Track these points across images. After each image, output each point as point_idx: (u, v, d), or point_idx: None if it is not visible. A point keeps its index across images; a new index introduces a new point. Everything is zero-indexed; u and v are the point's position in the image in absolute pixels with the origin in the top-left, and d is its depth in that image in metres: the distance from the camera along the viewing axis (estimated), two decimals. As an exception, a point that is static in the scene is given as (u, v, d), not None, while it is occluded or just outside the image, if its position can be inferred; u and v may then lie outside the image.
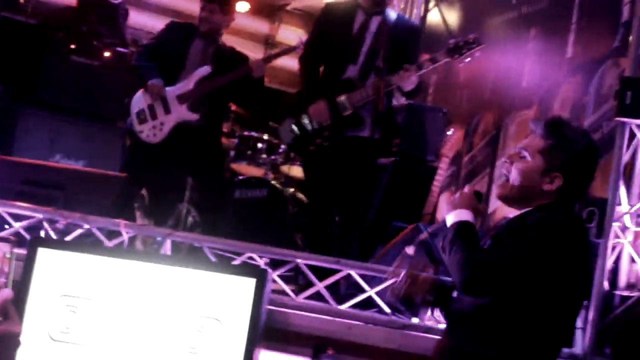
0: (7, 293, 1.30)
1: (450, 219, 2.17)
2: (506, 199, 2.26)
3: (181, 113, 4.43)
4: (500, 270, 2.06)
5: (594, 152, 2.33)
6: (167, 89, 4.43)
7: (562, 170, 2.20)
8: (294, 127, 4.08)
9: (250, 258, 3.46)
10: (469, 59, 3.96)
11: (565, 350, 3.09)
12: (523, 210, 2.22)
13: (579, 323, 3.24)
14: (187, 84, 4.43)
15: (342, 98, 3.95)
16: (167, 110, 4.44)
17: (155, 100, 4.44)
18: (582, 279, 2.29)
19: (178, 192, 4.77)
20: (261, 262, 3.42)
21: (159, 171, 4.58)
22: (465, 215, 2.17)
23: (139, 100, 4.49)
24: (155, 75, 4.45)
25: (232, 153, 5.47)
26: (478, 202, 2.25)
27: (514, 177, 2.23)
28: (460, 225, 2.15)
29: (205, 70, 4.43)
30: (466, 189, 2.31)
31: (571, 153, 2.22)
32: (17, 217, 3.52)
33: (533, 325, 2.19)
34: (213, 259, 3.46)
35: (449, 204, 2.23)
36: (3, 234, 3.40)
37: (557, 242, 2.13)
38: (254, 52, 6.14)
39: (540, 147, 2.22)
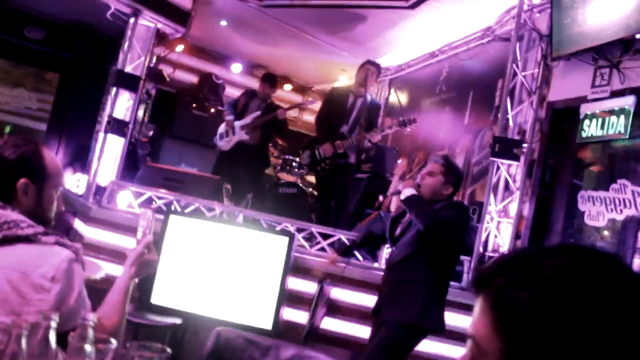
0: (151, 238, 1.35)
1: (407, 192, 2.27)
2: (422, 196, 2.31)
3: (241, 135, 4.57)
4: (442, 221, 2.18)
5: (463, 176, 2.52)
6: (235, 122, 4.59)
7: (453, 184, 2.35)
8: (310, 156, 4.07)
9: (286, 226, 3.48)
10: (409, 129, 3.99)
11: (456, 284, 3.10)
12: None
13: (466, 269, 3.24)
14: (246, 120, 4.59)
15: (338, 143, 3.94)
16: (234, 133, 4.59)
17: (229, 127, 4.61)
18: (464, 236, 2.45)
19: (246, 187, 4.73)
20: (292, 228, 3.45)
21: (233, 174, 4.59)
22: (413, 190, 2.28)
23: (222, 127, 4.69)
24: (232, 115, 4.65)
25: (278, 167, 5.48)
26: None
27: (428, 185, 2.33)
28: (414, 195, 2.26)
29: (256, 113, 4.58)
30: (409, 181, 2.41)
31: (456, 175, 2.38)
32: (160, 198, 3.58)
33: (443, 261, 2.27)
34: (265, 225, 3.49)
35: (404, 186, 2.33)
36: (151, 206, 3.45)
37: (460, 215, 2.32)
38: (291, 110, 6.11)
39: (442, 170, 2.33)
